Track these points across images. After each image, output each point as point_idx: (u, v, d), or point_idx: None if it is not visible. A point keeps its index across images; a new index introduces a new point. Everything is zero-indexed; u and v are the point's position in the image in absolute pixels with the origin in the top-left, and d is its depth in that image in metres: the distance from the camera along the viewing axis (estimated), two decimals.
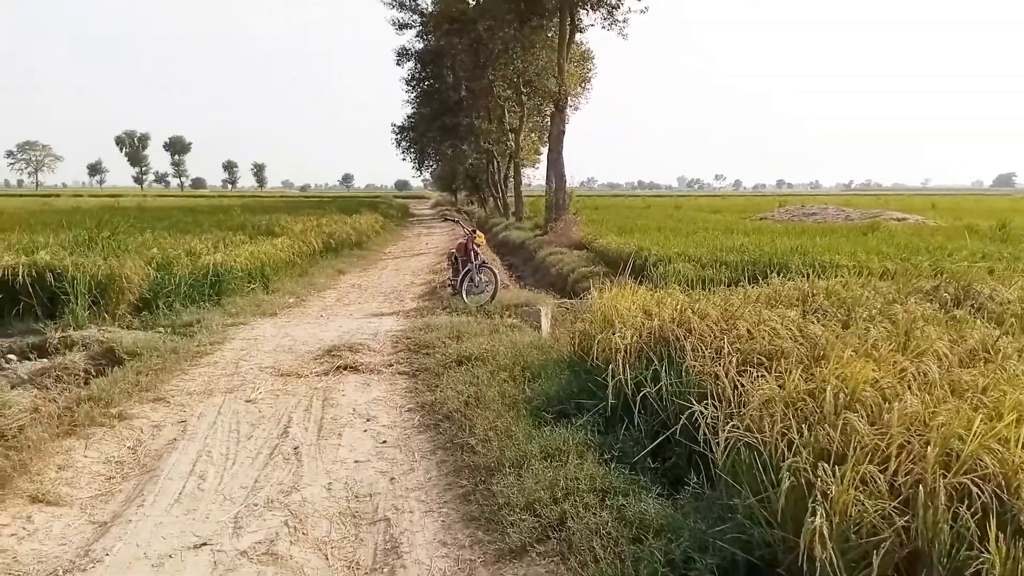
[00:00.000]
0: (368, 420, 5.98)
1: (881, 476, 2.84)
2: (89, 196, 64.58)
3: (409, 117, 40.63)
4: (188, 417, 6.08)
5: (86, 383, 6.99)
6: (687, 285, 8.81)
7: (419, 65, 37.52)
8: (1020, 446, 2.90)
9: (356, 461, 5.13)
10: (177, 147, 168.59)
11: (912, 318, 4.85)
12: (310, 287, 13.71)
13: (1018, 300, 6.31)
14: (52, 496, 4.60)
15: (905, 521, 2.69)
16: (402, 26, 34.18)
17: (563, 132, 24.63)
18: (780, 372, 4.11)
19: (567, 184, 24.85)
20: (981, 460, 2.85)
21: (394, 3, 33.56)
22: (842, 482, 2.82)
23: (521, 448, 4.56)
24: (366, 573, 3.70)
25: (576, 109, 34.89)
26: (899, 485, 2.85)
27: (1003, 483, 2.79)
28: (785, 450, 3.22)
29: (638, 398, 4.64)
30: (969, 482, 2.76)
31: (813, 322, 4.98)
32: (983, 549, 2.57)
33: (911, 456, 2.91)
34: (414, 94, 39.14)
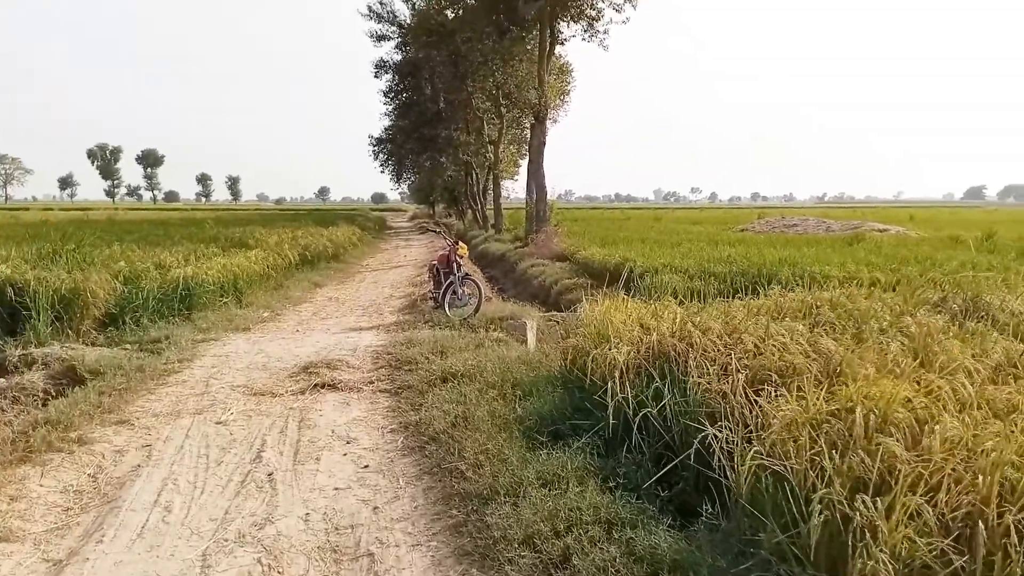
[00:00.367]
0: (348, 442, 5.60)
1: (930, 510, 2.53)
2: (60, 210, 63.32)
3: (387, 129, 40.27)
4: (153, 441, 5.66)
5: (45, 404, 6.55)
6: (677, 297, 8.53)
7: (397, 77, 37.20)
8: None
9: (336, 488, 4.75)
10: (150, 160, 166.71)
11: (927, 331, 4.58)
12: (285, 301, 13.27)
13: None
14: (2, 531, 4.18)
15: (964, 562, 2.38)
16: (380, 38, 33.88)
17: (543, 143, 24.39)
18: (795, 390, 3.81)
19: (547, 196, 24.59)
20: None
21: (372, 15, 33.27)
22: (889, 517, 2.50)
23: (516, 474, 4.21)
24: None
25: (555, 122, 34.75)
26: (949, 519, 2.55)
27: None
28: (815, 479, 2.90)
29: (639, 418, 4.30)
30: None
31: (822, 336, 4.70)
32: None
33: (961, 486, 2.60)
34: (392, 106, 38.81)
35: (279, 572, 3.70)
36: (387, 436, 5.71)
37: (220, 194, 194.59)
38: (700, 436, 3.68)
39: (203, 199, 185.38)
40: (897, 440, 2.95)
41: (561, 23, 23.91)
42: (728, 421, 3.75)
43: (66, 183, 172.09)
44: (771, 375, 4.11)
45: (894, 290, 8.38)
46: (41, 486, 4.84)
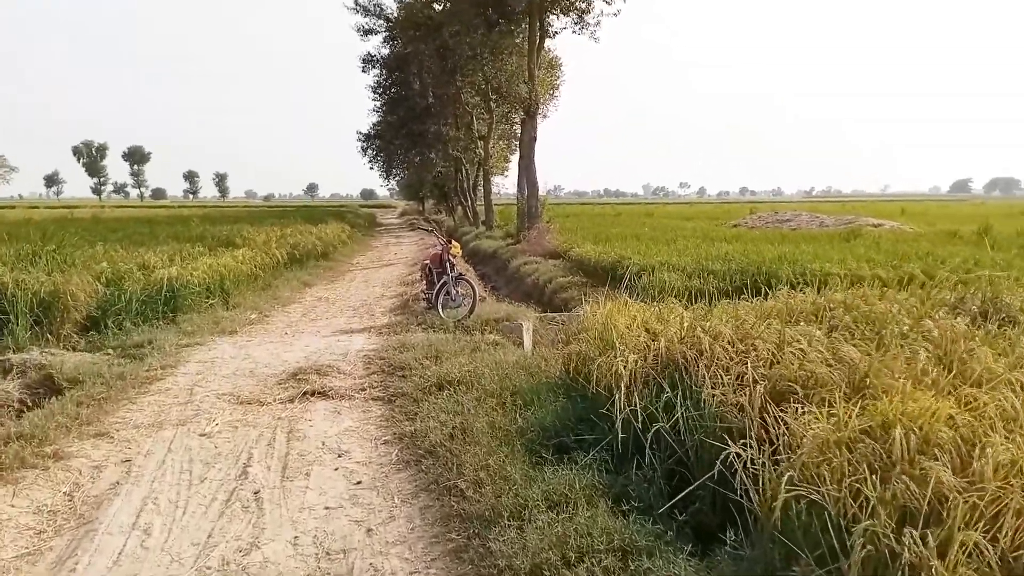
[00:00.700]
0: (340, 456, 5.31)
1: (989, 547, 2.28)
2: (45, 208, 62.66)
3: (375, 125, 39.84)
4: (134, 455, 5.36)
5: (20, 416, 6.23)
6: (675, 296, 8.29)
7: (385, 72, 36.84)
8: None
9: (327, 508, 4.47)
10: (136, 157, 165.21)
11: (952, 336, 4.34)
12: (274, 301, 12.94)
13: None
14: None
15: None
16: (367, 32, 33.44)
17: (534, 138, 24.11)
18: (820, 403, 3.56)
19: (539, 191, 24.32)
20: None
21: (359, 8, 32.84)
22: (943, 555, 2.24)
23: (520, 494, 3.94)
24: None
25: (545, 116, 34.43)
26: (1011, 557, 2.29)
27: None
28: (856, 508, 2.64)
29: (650, 433, 4.03)
30: None
31: (842, 342, 4.44)
32: None
33: (1021, 518, 2.35)
34: (380, 102, 38.42)
35: None
36: (381, 448, 5.43)
37: (208, 191, 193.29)
38: (721, 455, 3.41)
39: (190, 196, 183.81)
40: (943, 464, 2.70)
41: (551, 16, 23.62)
42: (748, 438, 3.49)
43: (52, 181, 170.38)
44: (792, 386, 3.85)
45: (899, 288, 8.17)
46: (12, 506, 4.54)
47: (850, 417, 3.20)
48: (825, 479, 2.86)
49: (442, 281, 9.84)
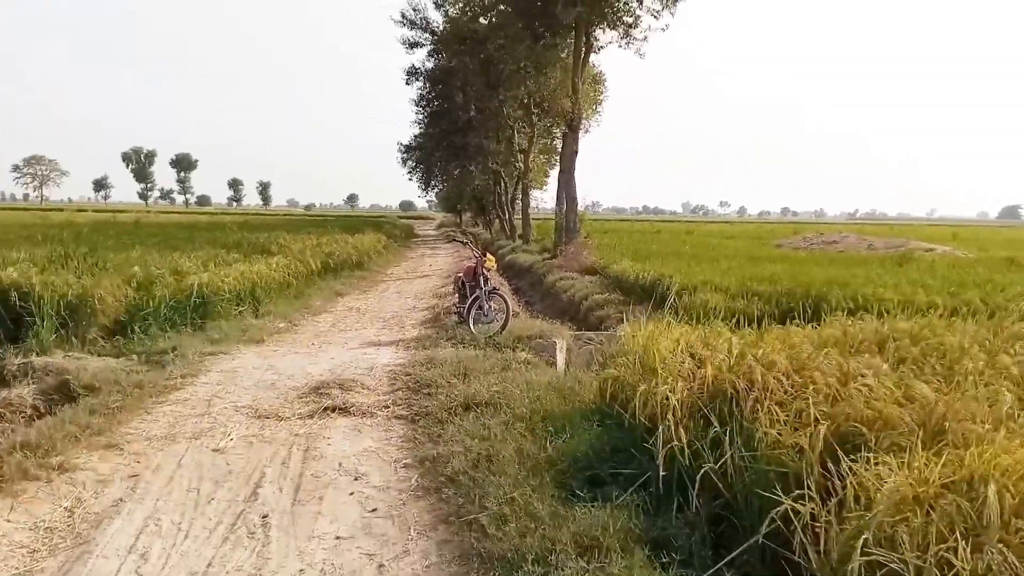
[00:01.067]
0: (356, 479, 4.97)
1: None
2: (93, 211, 63.95)
3: (416, 136, 39.88)
4: (142, 470, 5.08)
5: (33, 423, 6.02)
6: (718, 318, 7.84)
7: (428, 84, 36.85)
8: None
9: (337, 537, 4.12)
10: (183, 164, 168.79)
11: None
12: (304, 310, 12.73)
13: None
14: None
15: None
16: (412, 45, 33.53)
17: (576, 153, 23.78)
18: (890, 449, 3.12)
19: (578, 207, 23.94)
20: None
21: (405, 22, 32.94)
22: None
23: (547, 535, 3.54)
24: None
25: (587, 132, 34.11)
26: None
27: None
28: None
29: (698, 475, 3.60)
30: None
31: (910, 377, 3.98)
32: None
33: None
34: (423, 114, 38.43)
35: None
36: (400, 472, 5.08)
37: (251, 199, 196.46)
38: (777, 511, 2.97)
39: (234, 204, 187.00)
40: None
41: (597, 30, 23.31)
42: (807, 487, 3.06)
43: (100, 185, 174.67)
44: (857, 427, 3.41)
45: (954, 317, 7.60)
46: (8, 521, 4.28)
47: (931, 469, 2.75)
48: (903, 543, 2.43)
49: (475, 295, 9.50)
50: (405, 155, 40.68)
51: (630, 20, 22.54)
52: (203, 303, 10.57)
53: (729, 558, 3.18)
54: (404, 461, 5.27)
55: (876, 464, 2.93)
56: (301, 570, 3.75)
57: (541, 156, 39.51)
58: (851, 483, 2.87)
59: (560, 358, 8.54)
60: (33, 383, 6.86)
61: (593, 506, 3.81)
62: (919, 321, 5.69)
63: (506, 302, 9.61)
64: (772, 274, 12.06)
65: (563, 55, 25.40)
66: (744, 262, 15.05)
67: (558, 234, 23.93)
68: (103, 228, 23.20)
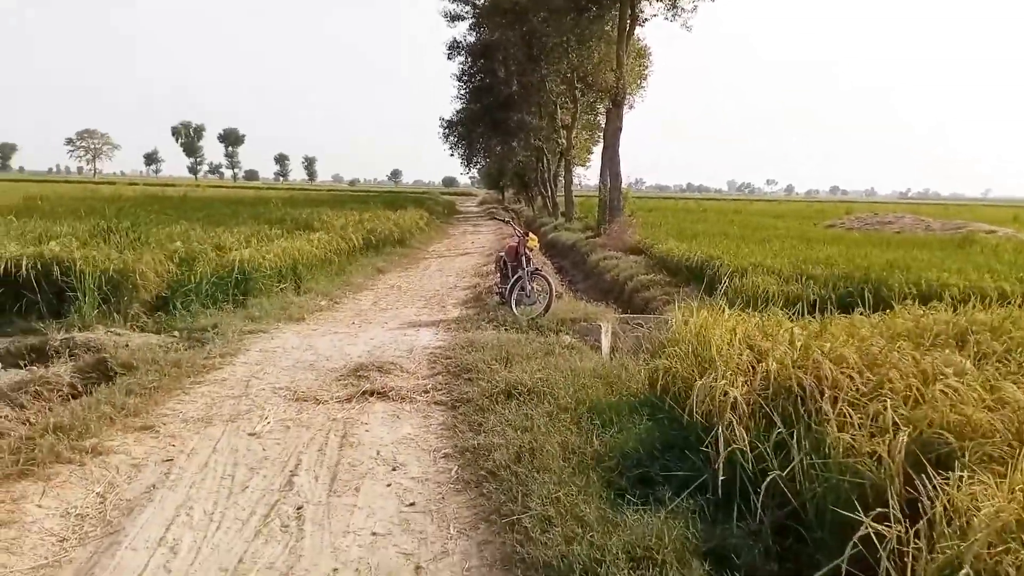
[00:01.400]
0: (394, 469, 4.78)
1: None
2: (144, 184, 65.12)
3: (458, 112, 39.57)
4: (176, 454, 4.96)
5: (70, 400, 5.96)
6: (771, 302, 7.47)
7: (470, 59, 36.49)
8: None
9: (373, 533, 3.92)
10: (231, 139, 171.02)
11: None
12: (345, 287, 12.62)
13: None
14: None
15: None
16: (454, 18, 33.26)
17: (620, 129, 23.23)
18: (981, 460, 2.79)
19: (622, 184, 23.44)
20: None
21: None
22: None
23: (596, 542, 3.29)
24: None
25: (631, 107, 33.38)
26: None
27: None
28: None
29: (765, 482, 3.30)
30: None
31: (997, 377, 3.61)
32: None
33: None
34: (464, 89, 38.09)
35: None
36: (439, 463, 4.87)
37: (297, 174, 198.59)
38: (859, 532, 2.66)
39: (280, 179, 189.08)
40: None
41: (643, 1, 22.65)
42: (890, 505, 2.75)
43: (151, 159, 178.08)
44: (942, 435, 3.07)
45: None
46: (39, 507, 4.17)
47: None
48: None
49: (517, 275, 9.23)
50: (447, 130, 40.44)
51: None
52: (245, 279, 10.51)
53: None
54: (444, 451, 5.06)
55: (971, 481, 2.61)
56: (335, 569, 3.56)
57: (584, 132, 38.94)
58: (942, 504, 2.55)
59: (605, 343, 8.25)
60: (71, 360, 6.81)
61: (645, 510, 3.54)
62: (998, 312, 5.27)
63: (549, 283, 9.33)
64: (827, 256, 11.56)
65: (607, 28, 24.78)
66: (796, 243, 14.50)
67: (601, 212, 23.50)
68: (150, 202, 23.40)
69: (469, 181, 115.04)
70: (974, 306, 5.72)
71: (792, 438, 3.42)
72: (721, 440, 3.57)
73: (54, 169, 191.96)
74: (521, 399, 5.60)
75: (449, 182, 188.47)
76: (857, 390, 3.65)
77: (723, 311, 5.64)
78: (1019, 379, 3.66)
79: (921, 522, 2.54)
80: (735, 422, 3.69)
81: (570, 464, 4.27)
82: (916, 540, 2.50)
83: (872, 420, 3.33)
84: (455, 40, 35.68)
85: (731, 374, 4.02)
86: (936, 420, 3.17)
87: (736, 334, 4.83)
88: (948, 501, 2.55)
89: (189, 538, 3.85)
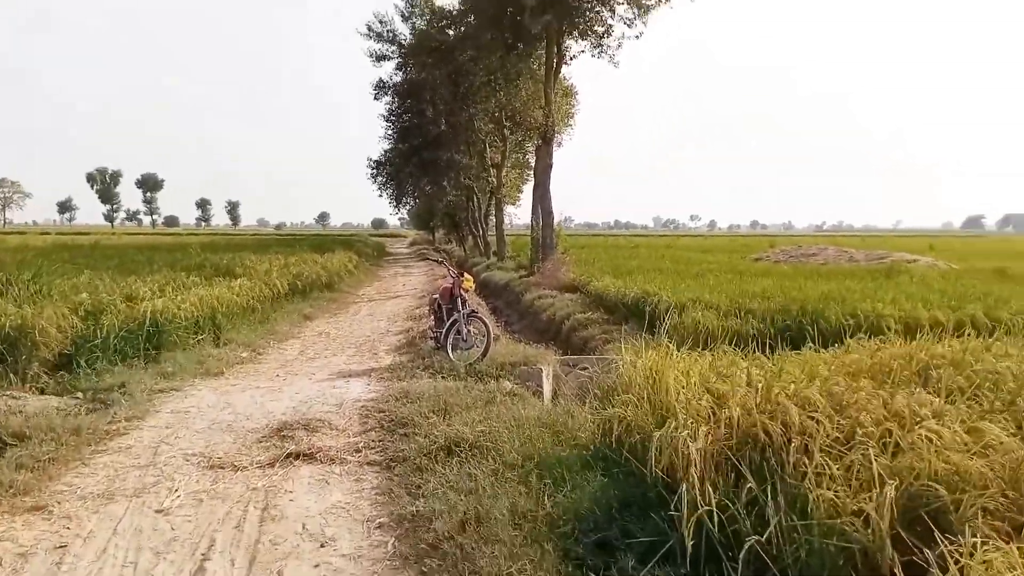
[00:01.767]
0: (322, 545, 4.25)
1: None
2: (56, 234, 62.20)
3: (386, 152, 39.09)
4: (71, 539, 4.32)
5: None
6: (716, 340, 7.27)
7: (397, 99, 36.18)
8: None
9: None
10: (149, 184, 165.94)
11: None
12: (270, 336, 11.94)
13: None
14: None
15: None
16: (380, 58, 32.97)
17: (550, 166, 23.22)
18: (976, 515, 2.50)
19: (554, 221, 23.36)
20: None
21: (372, 34, 32.36)
22: None
23: None
24: None
25: (560, 145, 33.63)
26: None
27: None
28: None
29: (741, 552, 2.94)
30: None
31: (975, 418, 3.38)
32: None
33: None
34: (392, 129, 37.70)
35: None
36: (374, 535, 4.37)
37: (220, 219, 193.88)
38: None
39: (203, 224, 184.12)
40: None
41: (569, 39, 22.85)
42: (877, 566, 2.43)
43: (65, 207, 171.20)
44: (931, 487, 2.79)
45: (957, 335, 7.06)
46: None
47: None
48: None
49: (452, 319, 8.80)
50: (375, 171, 39.79)
51: (602, 29, 22.10)
52: (158, 332, 9.75)
53: None
54: (378, 520, 4.55)
55: (984, 548, 2.30)
56: None
57: (514, 171, 39.05)
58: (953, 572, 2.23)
59: (547, 387, 7.89)
60: None
61: None
62: (955, 344, 5.12)
63: (487, 325, 8.92)
64: (763, 289, 11.53)
65: (534, 66, 24.92)
66: (730, 277, 14.53)
67: (534, 250, 23.33)
68: (59, 251, 22.14)
69: (399, 222, 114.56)
70: (923, 338, 5.58)
71: (766, 495, 3.09)
72: (685, 501, 3.21)
73: None
74: (463, 456, 5.16)
75: (378, 224, 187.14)
76: (827, 436, 3.35)
77: (671, 351, 5.34)
78: (994, 418, 3.44)
79: None
80: (699, 478, 3.34)
81: (521, 532, 3.84)
82: None
83: (848, 470, 3.03)
84: (381, 80, 35.37)
85: (691, 422, 3.69)
86: (923, 471, 2.89)
87: (690, 376, 4.52)
88: (960, 571, 2.25)
89: None
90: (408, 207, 51.77)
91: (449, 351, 8.61)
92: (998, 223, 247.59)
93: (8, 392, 7.74)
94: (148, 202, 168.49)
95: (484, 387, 7.23)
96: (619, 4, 21.36)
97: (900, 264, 18.21)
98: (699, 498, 3.19)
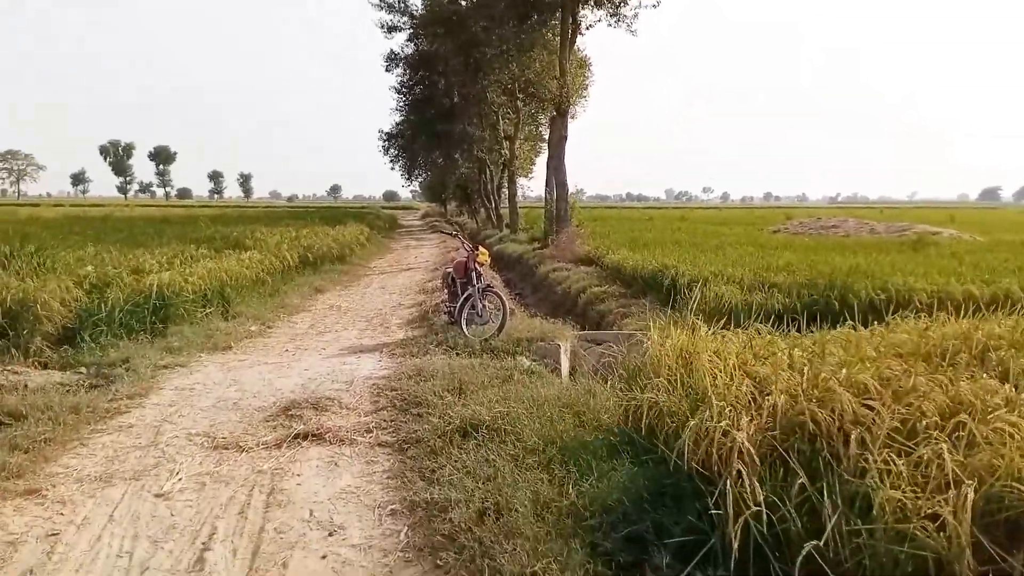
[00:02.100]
0: (330, 534, 3.97)
1: None
2: (70, 206, 62.24)
3: (398, 124, 38.58)
4: (65, 526, 4.06)
5: None
6: (746, 317, 6.92)
7: (409, 71, 35.60)
8: None
9: None
10: (162, 157, 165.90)
11: None
12: (280, 310, 11.68)
13: None
14: None
15: None
16: (391, 29, 32.27)
17: (565, 138, 22.74)
18: None
19: (568, 193, 22.92)
20: None
21: (383, 4, 31.69)
22: None
23: None
24: None
25: (574, 118, 33.02)
26: None
27: None
28: None
29: (799, 557, 2.63)
30: None
31: None
32: None
33: None
34: (404, 101, 37.15)
35: None
36: (386, 523, 4.08)
37: (233, 191, 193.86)
38: None
39: (215, 196, 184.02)
40: None
41: (584, 8, 22.23)
42: None
43: (78, 180, 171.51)
44: (1016, 489, 2.46)
45: (992, 310, 6.68)
46: None
47: None
48: None
49: (467, 294, 8.48)
50: (387, 143, 39.32)
51: None
52: (164, 305, 9.50)
53: None
54: (391, 506, 4.27)
55: None
56: None
57: (527, 143, 38.51)
58: None
59: (565, 364, 7.58)
60: None
61: None
62: (1013, 322, 4.75)
63: (503, 300, 8.59)
64: (787, 263, 11.14)
65: (548, 36, 24.33)
66: (751, 250, 14.11)
67: (548, 223, 22.94)
68: (70, 224, 21.97)
69: (411, 195, 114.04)
70: (977, 315, 5.20)
71: (820, 494, 2.77)
72: (730, 497, 2.90)
73: None
74: (479, 437, 4.87)
75: (390, 196, 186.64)
76: (892, 426, 3.02)
77: (698, 329, 5.00)
78: None
79: None
80: (744, 472, 3.02)
81: (544, 523, 3.55)
82: None
83: (915, 467, 2.71)
84: (393, 52, 34.78)
85: (731, 410, 3.36)
86: (1003, 469, 2.56)
87: (725, 358, 4.18)
88: None
89: None
90: (420, 179, 51.34)
91: (464, 326, 8.31)
92: (1015, 194, 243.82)
93: (9, 368, 7.54)
94: (161, 175, 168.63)
95: (500, 364, 6.92)
96: None
97: (927, 236, 17.70)
98: (746, 494, 2.88)
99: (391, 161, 40.09)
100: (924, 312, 6.40)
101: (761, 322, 5.38)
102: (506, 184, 35.42)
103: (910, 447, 2.79)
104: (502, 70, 26.60)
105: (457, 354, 7.48)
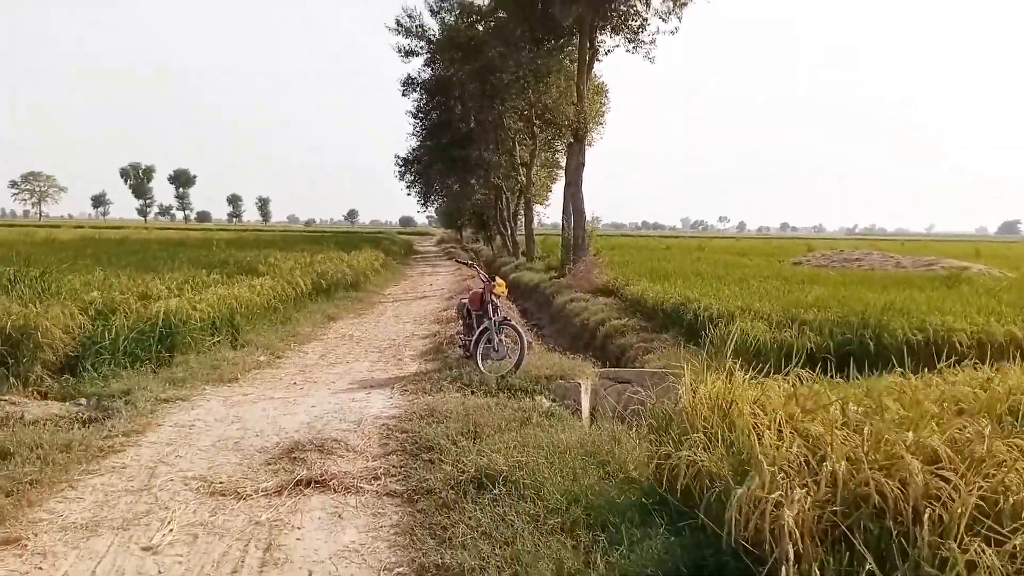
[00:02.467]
0: None
1: None
2: (91, 227, 62.58)
3: (414, 149, 38.57)
4: None
5: None
6: (753, 351, 6.53)
7: (425, 96, 35.65)
8: None
9: None
10: (182, 180, 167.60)
11: None
12: (290, 338, 11.38)
13: None
14: None
15: None
16: (408, 53, 32.38)
17: (582, 164, 22.50)
18: None
19: (586, 221, 22.61)
20: None
21: (400, 29, 31.80)
22: None
23: None
24: None
25: (591, 145, 32.83)
26: None
27: None
28: None
29: None
30: None
31: None
32: None
33: None
34: (420, 126, 37.18)
35: None
36: None
37: (251, 215, 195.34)
38: None
39: (234, 220, 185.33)
40: None
41: (602, 34, 22.09)
42: None
43: (99, 201, 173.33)
44: None
45: None
46: None
47: None
48: None
49: (483, 327, 8.11)
50: (403, 168, 39.31)
51: (636, 24, 21.31)
52: (171, 333, 9.21)
53: None
54: (397, 569, 3.88)
55: None
56: None
57: (543, 170, 38.34)
58: None
59: (585, 404, 7.19)
60: None
61: None
62: None
63: (520, 335, 8.21)
64: (816, 299, 10.70)
65: (566, 61, 24.22)
66: (776, 283, 13.65)
67: (565, 251, 22.61)
68: (84, 246, 21.87)
69: (427, 220, 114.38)
70: (1010, 357, 4.78)
71: None
72: None
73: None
74: (496, 492, 4.48)
75: (406, 222, 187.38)
76: (966, 506, 2.62)
77: (735, 372, 4.61)
78: None
79: None
80: (796, 553, 2.63)
81: None
82: None
83: (1010, 559, 2.31)
84: (409, 76, 34.88)
85: (785, 480, 2.97)
86: None
87: (768, 411, 3.79)
88: None
89: None
90: (436, 205, 51.31)
91: (479, 362, 7.93)
92: None
93: (6, 398, 7.25)
94: (180, 197, 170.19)
95: (518, 404, 6.54)
96: None
97: (958, 272, 17.17)
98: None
99: (407, 187, 40.08)
100: (968, 355, 6.01)
101: (791, 361, 5.00)
102: (522, 211, 35.25)
103: (1004, 535, 2.39)
104: (519, 96, 26.49)
105: (472, 392, 7.11)
